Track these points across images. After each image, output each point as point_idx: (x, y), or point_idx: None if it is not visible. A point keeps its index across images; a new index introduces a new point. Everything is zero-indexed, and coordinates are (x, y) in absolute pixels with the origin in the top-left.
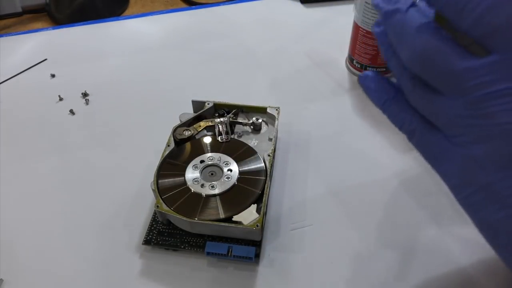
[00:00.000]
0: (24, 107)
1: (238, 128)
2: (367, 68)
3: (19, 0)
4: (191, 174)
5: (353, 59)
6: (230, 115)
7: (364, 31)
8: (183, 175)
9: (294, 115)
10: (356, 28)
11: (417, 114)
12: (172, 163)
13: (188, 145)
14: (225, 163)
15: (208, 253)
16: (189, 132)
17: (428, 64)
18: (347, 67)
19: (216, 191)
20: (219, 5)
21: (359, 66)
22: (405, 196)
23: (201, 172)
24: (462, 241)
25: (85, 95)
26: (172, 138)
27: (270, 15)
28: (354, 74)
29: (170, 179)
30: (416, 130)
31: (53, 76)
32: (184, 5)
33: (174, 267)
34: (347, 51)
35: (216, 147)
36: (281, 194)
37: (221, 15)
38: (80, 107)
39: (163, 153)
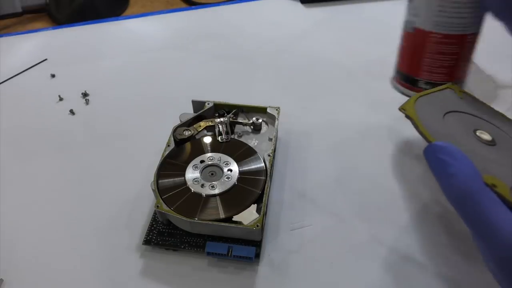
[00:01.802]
0: (24, 107)
1: (238, 128)
2: (443, 85)
3: (19, 0)
4: (191, 174)
5: (414, 79)
6: (230, 115)
7: (441, 36)
8: (183, 175)
9: (294, 115)
10: (419, 35)
11: None
12: (172, 163)
13: (188, 145)
14: (225, 163)
15: (208, 253)
16: (189, 132)
17: None
18: (394, 86)
19: (216, 191)
20: (219, 5)
21: (429, 86)
22: (406, 197)
23: (201, 172)
24: (464, 241)
25: (85, 95)
26: (172, 138)
27: (270, 15)
28: (407, 95)
29: (170, 179)
30: None
31: (53, 76)
32: (184, 5)
33: (174, 267)
34: (393, 66)
35: (216, 147)
36: (281, 194)
37: (221, 15)
38: (80, 107)
39: (163, 153)
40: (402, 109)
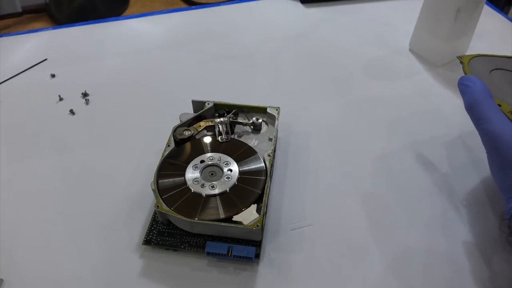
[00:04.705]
0: (24, 107)
1: (238, 128)
2: None
3: (19, 0)
4: (191, 174)
5: None
6: (230, 115)
7: None
8: (183, 175)
9: (294, 115)
10: None
11: None
12: (172, 163)
13: (188, 145)
14: (225, 163)
15: (208, 253)
16: (189, 132)
17: None
18: None
19: (216, 191)
20: (219, 5)
21: None
22: (405, 196)
23: (201, 172)
24: (462, 241)
25: (85, 95)
26: (172, 138)
27: (270, 15)
28: None
29: (170, 179)
30: None
31: (53, 76)
32: (184, 5)
33: (174, 267)
34: None
35: (216, 147)
36: (281, 194)
37: (221, 15)
38: (80, 107)
39: (163, 153)
40: (459, 57)
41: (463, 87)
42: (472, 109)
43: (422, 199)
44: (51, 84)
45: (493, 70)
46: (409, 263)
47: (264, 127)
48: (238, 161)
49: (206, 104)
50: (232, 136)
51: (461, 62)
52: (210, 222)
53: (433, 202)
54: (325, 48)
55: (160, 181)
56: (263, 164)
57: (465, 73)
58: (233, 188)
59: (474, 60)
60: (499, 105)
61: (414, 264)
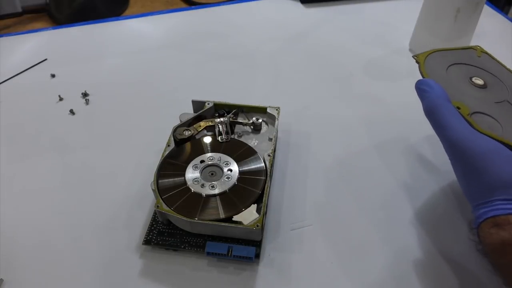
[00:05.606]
0: (24, 107)
1: (238, 128)
2: None
3: (19, 0)
4: (191, 174)
5: None
6: (230, 115)
7: None
8: (183, 175)
9: (294, 115)
10: None
11: None
12: (172, 163)
13: (188, 145)
14: (225, 163)
15: (208, 253)
16: (189, 132)
17: None
18: None
19: (216, 191)
20: (219, 5)
21: None
22: (405, 196)
23: (201, 172)
24: (461, 242)
25: (85, 95)
26: (172, 138)
27: (270, 15)
28: None
29: (170, 179)
30: None
31: (53, 76)
32: (184, 5)
33: (174, 267)
34: None
35: (216, 147)
36: (281, 194)
37: (221, 15)
38: (80, 107)
39: (163, 153)
40: (415, 56)
41: (421, 92)
42: (431, 115)
43: (426, 198)
44: (51, 84)
45: (449, 66)
46: (410, 263)
47: (264, 127)
48: (238, 161)
49: (206, 104)
50: (232, 136)
51: (417, 62)
52: (210, 222)
53: (435, 202)
54: (325, 48)
55: (160, 181)
56: (263, 164)
57: (421, 74)
58: (233, 188)
59: (430, 57)
60: (458, 108)
61: (415, 264)
